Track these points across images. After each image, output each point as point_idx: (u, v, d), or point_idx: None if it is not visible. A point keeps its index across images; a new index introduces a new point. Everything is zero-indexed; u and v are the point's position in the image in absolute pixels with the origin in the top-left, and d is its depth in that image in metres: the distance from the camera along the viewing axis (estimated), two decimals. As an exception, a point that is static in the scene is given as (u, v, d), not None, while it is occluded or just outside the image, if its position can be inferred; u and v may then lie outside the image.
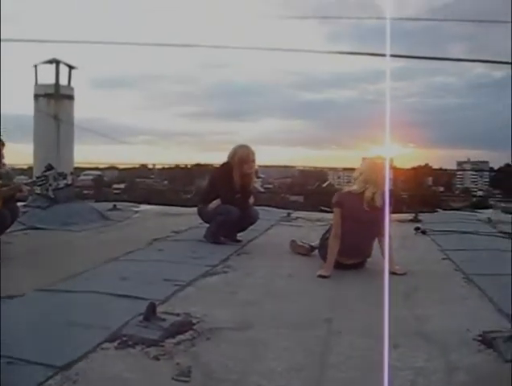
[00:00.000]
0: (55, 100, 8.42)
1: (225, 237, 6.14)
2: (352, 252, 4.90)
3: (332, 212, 5.19)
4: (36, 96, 8.50)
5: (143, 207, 9.82)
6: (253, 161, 6.21)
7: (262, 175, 6.62)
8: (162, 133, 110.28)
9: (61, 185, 8.31)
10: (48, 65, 8.63)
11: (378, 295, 3.86)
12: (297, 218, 8.52)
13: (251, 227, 6.37)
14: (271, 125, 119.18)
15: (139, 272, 4.68)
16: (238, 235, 6.27)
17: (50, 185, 8.15)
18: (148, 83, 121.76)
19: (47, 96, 8.43)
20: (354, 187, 4.96)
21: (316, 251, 5.44)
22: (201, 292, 4.14)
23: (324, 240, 5.10)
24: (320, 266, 4.92)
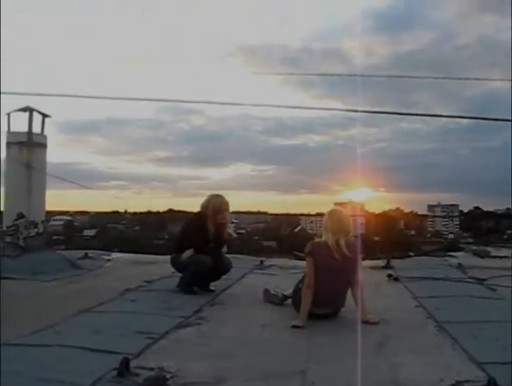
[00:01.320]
0: (27, 148, 8.40)
1: (198, 287, 6.11)
2: (325, 301, 4.92)
3: (304, 259, 5.24)
4: (8, 144, 8.47)
5: (115, 255, 9.75)
6: (227, 210, 6.26)
7: (234, 220, 6.63)
8: (134, 178, 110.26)
9: (32, 233, 8.23)
10: (22, 113, 8.63)
11: (352, 345, 3.90)
12: (270, 265, 8.53)
13: (224, 276, 6.35)
14: (243, 170, 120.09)
15: (112, 324, 4.62)
16: (211, 284, 6.25)
17: (21, 233, 8.07)
18: (120, 128, 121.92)
19: (20, 143, 8.41)
20: (323, 237, 5.03)
21: (290, 300, 5.44)
22: (175, 345, 4.10)
23: (298, 289, 5.12)
24: (293, 316, 4.92)
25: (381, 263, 8.61)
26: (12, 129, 8.61)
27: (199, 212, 6.32)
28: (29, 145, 8.42)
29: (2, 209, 8.64)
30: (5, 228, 8.13)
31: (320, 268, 4.86)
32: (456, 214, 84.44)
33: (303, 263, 5.96)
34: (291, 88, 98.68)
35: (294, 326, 4.66)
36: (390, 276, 7.31)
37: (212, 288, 6.22)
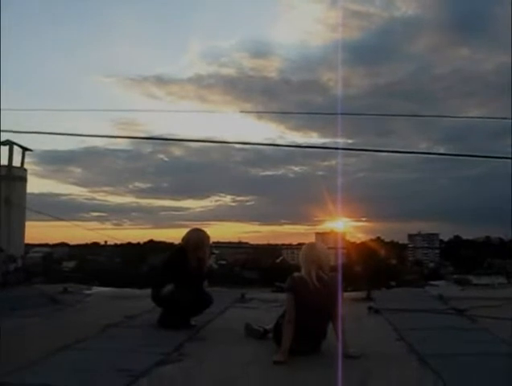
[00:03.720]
0: (7, 181, 8.38)
1: (179, 322, 6.06)
2: (306, 336, 4.91)
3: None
4: (-13, 178, 8.44)
5: (95, 289, 9.65)
6: (208, 245, 6.26)
7: (215, 252, 6.62)
8: (114, 209, 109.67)
9: (11, 268, 8.16)
10: (2, 147, 8.63)
11: (334, 380, 3.89)
12: (251, 299, 8.50)
13: (205, 310, 6.32)
14: (223, 201, 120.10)
15: (93, 362, 4.58)
16: (193, 319, 6.21)
17: (-1, 269, 8.00)
18: (98, 159, 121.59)
19: (-1, 177, 8.38)
20: (302, 271, 5.06)
21: (271, 334, 5.43)
22: (155, 382, 4.07)
23: (279, 325, 5.11)
24: (275, 351, 4.90)
25: (361, 294, 8.62)
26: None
27: (179, 246, 6.32)
28: (9, 179, 8.40)
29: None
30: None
31: (301, 303, 4.86)
32: (437, 243, 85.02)
33: (283, 296, 5.97)
34: (270, 119, 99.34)
35: (275, 362, 4.64)
36: (370, 308, 7.32)
37: (193, 323, 6.18)
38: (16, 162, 8.78)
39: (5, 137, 8.65)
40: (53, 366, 4.48)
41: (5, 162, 8.64)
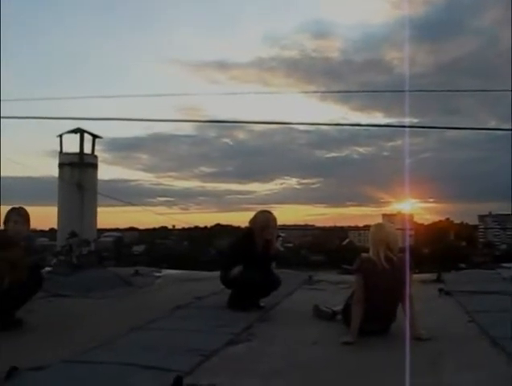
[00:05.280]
0: (79, 168, 8.64)
1: (248, 303, 6.13)
2: (375, 317, 4.88)
3: (353, 273, 5.22)
4: (61, 165, 8.73)
5: (165, 271, 9.86)
6: (274, 226, 6.28)
7: (282, 235, 6.64)
8: (180, 194, 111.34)
9: (84, 252, 8.43)
10: (73, 135, 8.89)
11: (404, 362, 3.85)
12: (319, 281, 8.50)
13: (274, 292, 6.36)
14: (289, 184, 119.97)
15: (163, 341, 4.69)
16: (261, 300, 6.26)
17: (73, 252, 8.27)
18: (163, 145, 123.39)
19: (72, 164, 8.65)
20: (370, 252, 5.00)
21: (339, 316, 5.42)
22: (226, 362, 4.12)
23: (347, 305, 5.09)
24: (343, 332, 4.90)
25: (431, 276, 8.48)
26: (64, 151, 8.87)
27: (247, 228, 6.37)
28: (80, 166, 8.66)
29: (55, 228, 8.90)
30: (59, 247, 8.36)
31: (370, 284, 4.83)
32: (509, 224, 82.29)
33: (351, 277, 5.95)
34: (333, 100, 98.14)
35: (344, 343, 4.64)
36: (441, 290, 7.19)
37: (261, 304, 6.23)
38: (87, 150, 9.03)
39: (74, 124, 8.92)
40: (126, 345, 4.61)
41: (76, 149, 8.91)
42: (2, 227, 5.38)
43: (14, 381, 3.48)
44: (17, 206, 5.48)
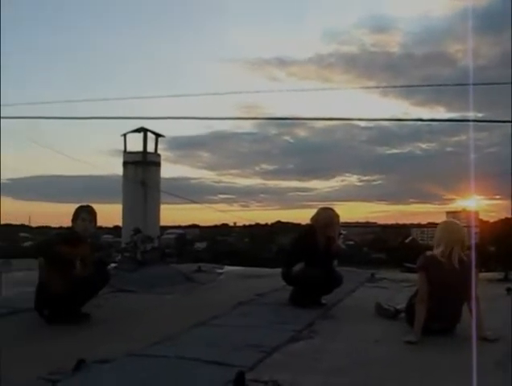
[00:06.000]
0: (142, 167, 8.81)
1: (310, 301, 6.11)
2: (440, 316, 4.77)
3: (415, 271, 5.13)
4: (125, 163, 8.92)
5: (226, 268, 9.96)
6: (337, 223, 6.24)
7: (343, 232, 6.59)
8: (241, 191, 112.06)
9: (148, 248, 8.59)
10: (136, 134, 9.07)
11: (469, 362, 3.75)
12: (381, 279, 8.40)
13: (336, 289, 6.32)
14: (350, 181, 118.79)
15: (226, 337, 4.73)
16: (323, 298, 6.24)
17: (138, 248, 8.44)
18: (224, 143, 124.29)
19: (135, 163, 8.83)
20: (435, 249, 4.89)
21: (402, 314, 5.34)
22: (288, 358, 4.12)
23: (411, 304, 5.00)
24: (406, 331, 4.82)
25: (498, 275, 8.24)
26: (128, 149, 9.06)
27: (308, 225, 6.36)
28: (144, 164, 8.83)
29: (120, 225, 9.11)
30: (123, 244, 8.55)
31: (434, 283, 4.73)
32: None
33: (414, 276, 5.85)
34: (394, 95, 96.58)
35: (407, 342, 4.56)
36: (509, 289, 6.98)
37: (323, 301, 6.21)
38: (150, 148, 9.20)
39: (137, 124, 9.10)
40: (189, 340, 4.67)
41: (140, 148, 9.09)
42: (71, 224, 5.54)
43: (82, 373, 3.58)
44: (85, 204, 5.64)
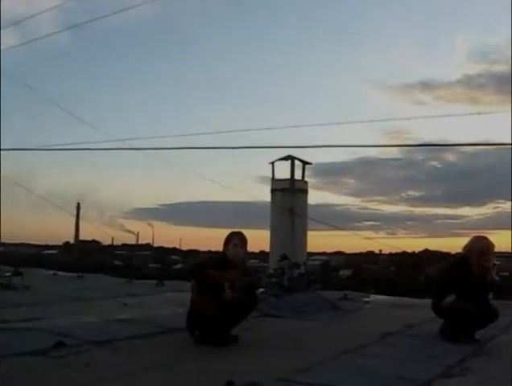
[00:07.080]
0: (290, 194, 8.99)
1: (462, 335, 5.85)
2: None
3: None
4: (273, 190, 9.16)
5: (373, 296, 9.82)
6: (493, 253, 5.94)
7: (496, 262, 6.26)
8: (387, 218, 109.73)
9: (295, 274, 8.70)
10: (284, 162, 9.30)
11: None
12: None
13: (491, 324, 5.99)
14: (502, 208, 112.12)
15: (372, 368, 4.67)
16: (476, 333, 5.94)
17: (285, 274, 8.58)
18: (370, 169, 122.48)
19: (283, 190, 9.04)
20: None
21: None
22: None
23: None
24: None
25: None
26: (276, 177, 9.30)
27: (461, 255, 6.11)
28: (291, 191, 9.01)
29: (265, 250, 9.33)
30: (271, 269, 8.74)
31: None
32: None
33: None
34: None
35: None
36: None
37: (477, 337, 5.91)
38: (297, 175, 9.38)
39: (283, 152, 9.32)
40: (338, 368, 4.67)
41: (287, 175, 9.29)
42: (222, 248, 5.78)
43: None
44: (237, 230, 5.86)
